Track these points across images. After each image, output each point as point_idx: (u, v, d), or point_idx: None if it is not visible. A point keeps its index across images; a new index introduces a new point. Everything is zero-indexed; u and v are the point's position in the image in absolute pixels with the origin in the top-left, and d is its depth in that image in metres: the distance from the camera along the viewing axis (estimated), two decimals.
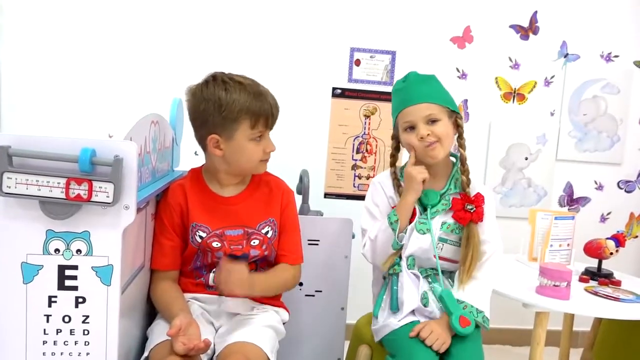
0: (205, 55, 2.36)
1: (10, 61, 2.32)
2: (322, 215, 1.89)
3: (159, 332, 1.31)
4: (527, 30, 2.54)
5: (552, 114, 2.60)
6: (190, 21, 2.39)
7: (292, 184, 1.65)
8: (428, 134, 1.42)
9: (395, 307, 1.47)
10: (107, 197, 1.03)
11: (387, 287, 1.53)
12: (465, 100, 2.56)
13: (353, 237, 1.81)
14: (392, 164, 1.61)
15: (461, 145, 1.51)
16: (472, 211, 1.46)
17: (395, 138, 1.58)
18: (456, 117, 1.49)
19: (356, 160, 2.51)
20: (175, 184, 1.46)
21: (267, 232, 1.47)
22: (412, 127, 1.46)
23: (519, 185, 2.62)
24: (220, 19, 2.41)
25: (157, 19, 2.38)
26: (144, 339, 1.36)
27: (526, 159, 2.60)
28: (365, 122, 2.50)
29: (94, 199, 1.03)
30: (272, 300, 1.52)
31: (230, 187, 1.46)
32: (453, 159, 1.57)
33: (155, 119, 1.40)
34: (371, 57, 2.47)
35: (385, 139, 2.50)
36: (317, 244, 1.79)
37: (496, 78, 2.57)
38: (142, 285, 1.38)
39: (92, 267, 1.07)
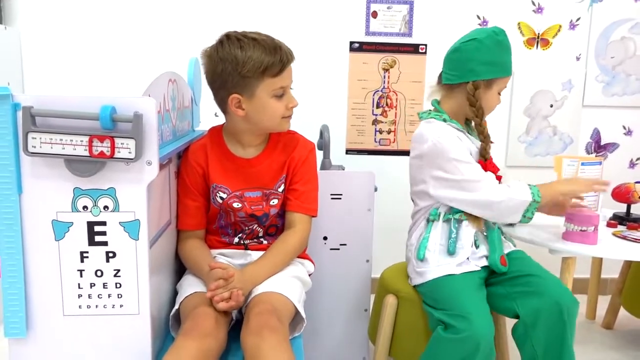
0: (220, 13, 2.34)
1: (30, 30, 2.34)
2: (343, 169, 1.89)
3: (188, 284, 1.35)
4: None
5: (577, 59, 2.53)
6: None
7: (313, 140, 1.64)
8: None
9: (453, 251, 1.53)
10: (130, 152, 1.04)
11: (431, 230, 1.58)
12: None
13: (375, 190, 1.82)
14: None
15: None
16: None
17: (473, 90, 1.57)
18: None
19: (377, 115, 2.49)
20: (196, 145, 1.47)
21: (283, 190, 1.47)
22: (499, 93, 1.61)
23: (544, 134, 2.57)
24: None
25: None
26: (174, 293, 1.40)
27: (551, 106, 2.54)
28: (384, 76, 2.47)
29: (117, 155, 1.04)
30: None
31: (251, 149, 1.46)
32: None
33: (173, 77, 1.40)
34: (388, 8, 2.42)
35: (405, 92, 2.46)
36: (339, 198, 1.80)
37: (519, 23, 2.49)
38: (170, 241, 1.42)
39: (119, 222, 1.10)
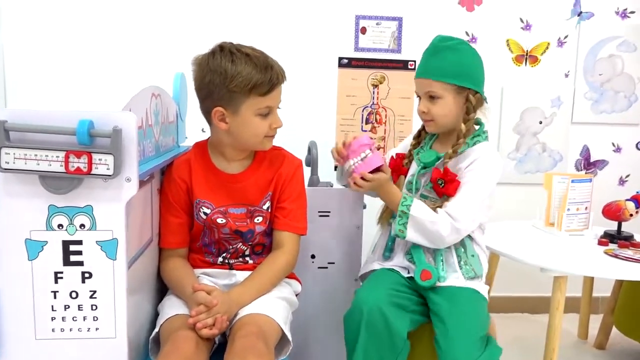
0: (208, 27, 2.31)
1: (13, 43, 2.30)
2: (332, 186, 1.86)
3: (169, 306, 1.30)
4: None
5: (566, 76, 2.53)
6: None
7: (301, 156, 1.62)
8: (424, 112, 1.49)
9: (388, 254, 1.58)
10: (108, 169, 1.01)
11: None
12: None
13: (364, 207, 1.79)
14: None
15: (464, 120, 1.48)
16: (441, 186, 1.45)
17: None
18: (468, 93, 1.46)
19: (366, 131, 2.46)
20: (180, 159, 1.43)
21: (268, 207, 1.43)
22: (419, 97, 1.52)
23: (534, 151, 2.55)
24: None
25: None
26: (156, 315, 1.35)
27: (540, 123, 2.53)
28: (373, 92, 2.44)
29: (94, 171, 1.00)
30: None
31: (235, 163, 1.42)
32: (477, 126, 1.56)
33: (157, 92, 1.37)
34: (377, 24, 2.40)
35: (395, 108, 2.44)
36: (328, 216, 1.77)
37: (507, 40, 2.49)
38: (151, 260, 1.37)
39: (96, 241, 1.05)
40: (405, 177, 1.58)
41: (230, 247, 1.43)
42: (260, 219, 1.42)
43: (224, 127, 1.34)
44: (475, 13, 2.45)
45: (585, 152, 2.58)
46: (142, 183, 1.23)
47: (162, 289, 1.43)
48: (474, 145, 1.49)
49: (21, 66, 2.32)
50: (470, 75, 1.47)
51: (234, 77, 1.27)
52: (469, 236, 1.51)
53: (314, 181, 1.86)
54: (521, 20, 2.48)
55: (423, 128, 1.61)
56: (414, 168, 1.58)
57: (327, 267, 1.79)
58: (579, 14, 2.49)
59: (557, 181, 2.05)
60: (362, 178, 1.40)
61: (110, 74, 2.32)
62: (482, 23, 2.46)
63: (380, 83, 2.44)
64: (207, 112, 1.36)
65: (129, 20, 2.33)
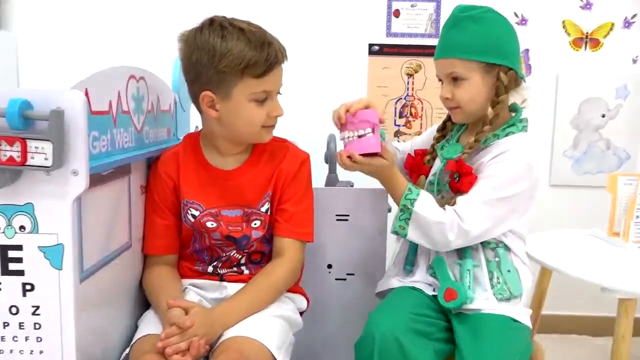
0: (225, 8, 2.14)
1: (27, 34, 2.25)
2: (352, 185, 1.63)
3: (145, 323, 1.14)
4: None
5: (634, 61, 2.21)
6: None
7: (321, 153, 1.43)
8: (447, 98, 1.26)
9: (410, 267, 1.34)
10: (46, 159, 0.83)
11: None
12: (527, 50, 2.20)
13: (389, 210, 1.55)
14: None
15: (492, 103, 1.22)
16: (456, 180, 1.21)
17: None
18: (499, 70, 1.21)
19: (399, 125, 2.24)
20: (167, 153, 1.25)
21: (267, 209, 1.24)
22: (441, 81, 1.28)
23: (595, 148, 2.24)
24: None
25: None
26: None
27: (603, 116, 2.21)
28: (408, 82, 2.22)
29: (29, 162, 0.82)
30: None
31: (230, 158, 1.23)
32: (512, 113, 1.29)
33: (139, 74, 1.19)
34: (412, 6, 2.18)
35: (432, 100, 2.20)
36: (346, 220, 1.55)
37: (563, 22, 2.20)
38: (131, 269, 1.20)
39: (38, 247, 0.88)
40: (427, 177, 1.34)
41: (224, 254, 1.24)
42: (258, 223, 1.23)
43: (214, 114, 1.15)
44: None
45: None
46: (111, 178, 1.06)
47: (145, 301, 1.25)
48: (505, 136, 1.23)
49: (35, 57, 2.24)
50: (500, 48, 1.21)
51: (224, 55, 1.09)
52: (506, 246, 1.25)
53: (332, 180, 1.65)
54: None
55: (449, 118, 1.36)
56: (437, 165, 1.33)
57: (345, 279, 1.57)
58: None
59: (624, 183, 1.75)
60: (350, 157, 1.17)
61: (123, 62, 2.20)
62: (533, 2, 2.19)
63: (416, 72, 2.21)
64: (195, 98, 1.18)
65: (143, 8, 2.22)
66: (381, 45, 2.21)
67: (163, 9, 2.21)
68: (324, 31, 2.21)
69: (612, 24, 2.19)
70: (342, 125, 1.21)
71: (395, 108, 2.23)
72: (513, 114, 1.29)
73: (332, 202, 1.51)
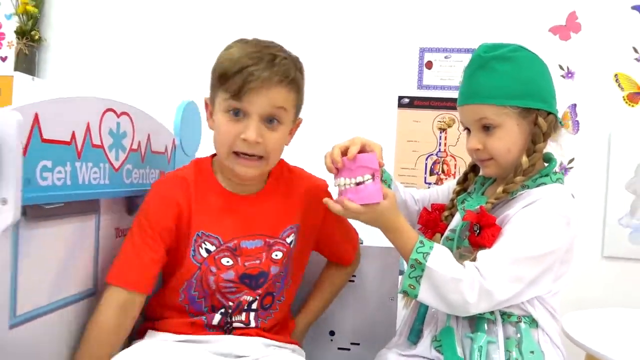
0: None
1: (60, 82, 2.38)
2: (361, 243, 1.48)
3: None
4: None
5: None
6: (240, 18, 2.31)
7: None
8: (478, 149, 1.12)
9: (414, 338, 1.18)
10: None
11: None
12: (574, 105, 2.10)
13: (401, 273, 1.39)
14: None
15: (527, 152, 1.08)
16: (477, 233, 1.05)
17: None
18: (537, 115, 1.07)
19: (430, 183, 2.15)
20: (172, 176, 1.15)
21: (292, 241, 1.15)
22: (468, 130, 1.14)
23: None
24: (275, 17, 2.29)
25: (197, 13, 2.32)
26: None
27: None
28: (440, 137, 2.16)
29: None
30: (287, 335, 1.22)
31: (246, 183, 1.13)
32: (545, 163, 1.15)
33: (120, 109, 1.12)
34: (446, 57, 2.16)
35: (466, 157, 2.04)
36: (353, 281, 1.41)
37: (616, 75, 2.09)
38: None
39: None
40: (442, 235, 1.17)
41: (230, 302, 1.10)
42: (280, 255, 1.13)
43: (210, 124, 1.13)
44: (572, 42, 2.12)
45: None
46: (70, 214, 0.98)
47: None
48: (536, 187, 1.06)
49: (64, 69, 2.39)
50: (537, 90, 1.07)
51: (217, 59, 1.08)
52: (532, 321, 1.05)
53: None
54: (635, 50, 2.07)
55: (471, 169, 1.23)
56: (456, 221, 1.17)
57: (349, 349, 1.42)
58: None
59: None
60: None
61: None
62: (581, 54, 2.11)
63: (449, 127, 2.16)
64: None
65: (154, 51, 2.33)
66: (412, 98, 2.18)
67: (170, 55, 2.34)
68: (353, 83, 2.23)
69: None
70: (337, 170, 1.08)
71: (426, 164, 2.16)
72: (546, 164, 1.12)
73: None
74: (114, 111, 1.11)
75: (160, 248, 1.06)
